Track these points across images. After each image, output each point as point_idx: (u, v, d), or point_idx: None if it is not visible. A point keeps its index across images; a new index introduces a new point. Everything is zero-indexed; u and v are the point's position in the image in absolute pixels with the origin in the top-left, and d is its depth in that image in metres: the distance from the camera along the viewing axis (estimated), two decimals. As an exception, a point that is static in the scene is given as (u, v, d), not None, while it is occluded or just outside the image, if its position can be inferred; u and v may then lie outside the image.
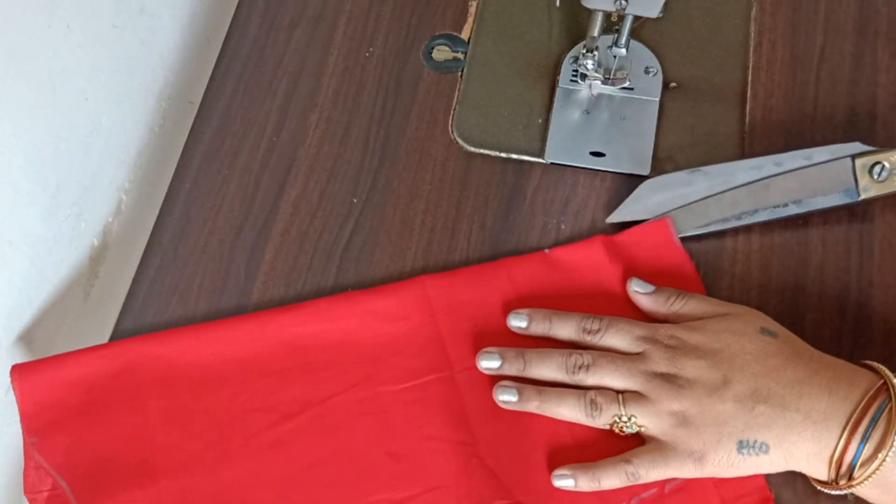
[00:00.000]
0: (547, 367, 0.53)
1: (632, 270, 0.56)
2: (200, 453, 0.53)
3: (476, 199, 0.60)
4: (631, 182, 0.60)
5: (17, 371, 0.54)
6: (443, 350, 0.55)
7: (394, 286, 0.57)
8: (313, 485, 0.52)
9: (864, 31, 0.64)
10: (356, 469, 0.52)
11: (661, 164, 0.60)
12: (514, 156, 0.61)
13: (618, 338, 0.53)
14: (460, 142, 0.62)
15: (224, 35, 0.67)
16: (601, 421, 0.51)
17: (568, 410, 0.52)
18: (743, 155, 0.60)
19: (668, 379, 0.50)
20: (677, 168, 0.60)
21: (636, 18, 0.59)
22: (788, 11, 0.65)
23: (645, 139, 0.61)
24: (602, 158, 0.60)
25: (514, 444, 0.53)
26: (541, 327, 0.54)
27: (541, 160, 0.61)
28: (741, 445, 0.48)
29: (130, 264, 0.60)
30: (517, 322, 0.55)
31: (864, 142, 0.56)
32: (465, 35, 0.66)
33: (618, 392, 0.51)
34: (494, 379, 0.54)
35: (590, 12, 0.57)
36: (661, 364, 0.50)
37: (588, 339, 0.53)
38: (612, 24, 0.62)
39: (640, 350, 0.52)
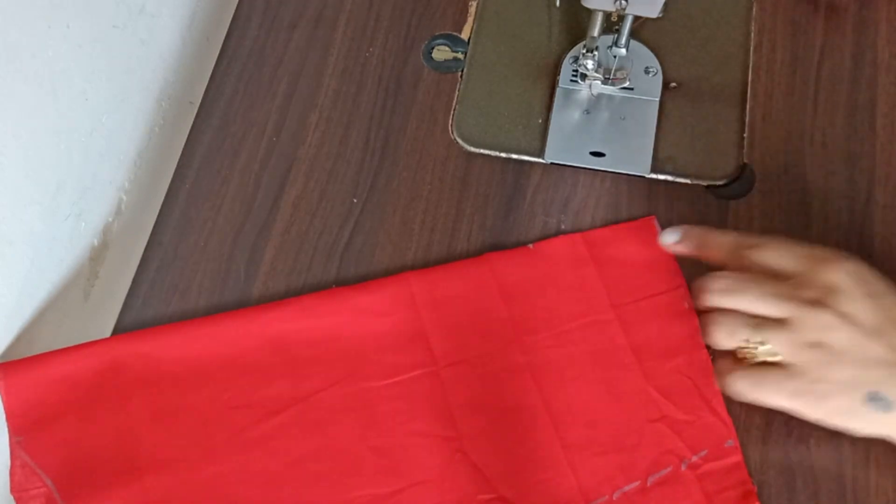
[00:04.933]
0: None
1: (615, 266, 0.57)
2: (185, 450, 0.53)
3: (476, 199, 0.60)
4: (631, 182, 0.60)
5: (2, 370, 0.54)
6: (427, 346, 0.55)
7: (378, 282, 0.57)
8: (297, 481, 0.52)
9: (865, 31, 0.64)
10: (340, 465, 0.52)
11: (662, 164, 0.60)
12: (514, 156, 0.61)
13: (777, 254, 0.49)
14: (460, 142, 0.62)
15: (224, 35, 0.67)
16: (727, 342, 0.49)
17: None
18: (741, 155, 0.60)
19: (820, 309, 0.47)
20: (676, 168, 0.60)
21: (636, 18, 0.59)
22: (788, 11, 0.65)
23: (645, 139, 0.61)
24: (602, 158, 0.60)
25: (498, 438, 0.53)
26: (693, 240, 0.54)
27: (541, 160, 0.61)
28: (871, 396, 0.46)
29: (130, 264, 0.60)
30: (670, 238, 0.55)
31: None
32: (465, 35, 0.66)
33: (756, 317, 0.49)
34: (476, 375, 0.54)
35: (590, 12, 0.57)
36: (818, 290, 0.47)
37: (743, 253, 0.50)
38: (612, 24, 0.62)
39: (801, 270, 0.48)
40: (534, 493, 0.51)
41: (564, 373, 0.54)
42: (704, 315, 0.51)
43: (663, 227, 0.58)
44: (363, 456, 0.52)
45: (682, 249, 0.55)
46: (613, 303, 0.56)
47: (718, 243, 0.53)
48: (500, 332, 0.55)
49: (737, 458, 0.52)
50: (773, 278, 0.49)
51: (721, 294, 0.50)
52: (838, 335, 0.47)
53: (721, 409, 0.53)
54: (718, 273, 0.51)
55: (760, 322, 0.48)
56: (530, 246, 0.58)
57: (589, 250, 0.57)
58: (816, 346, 0.47)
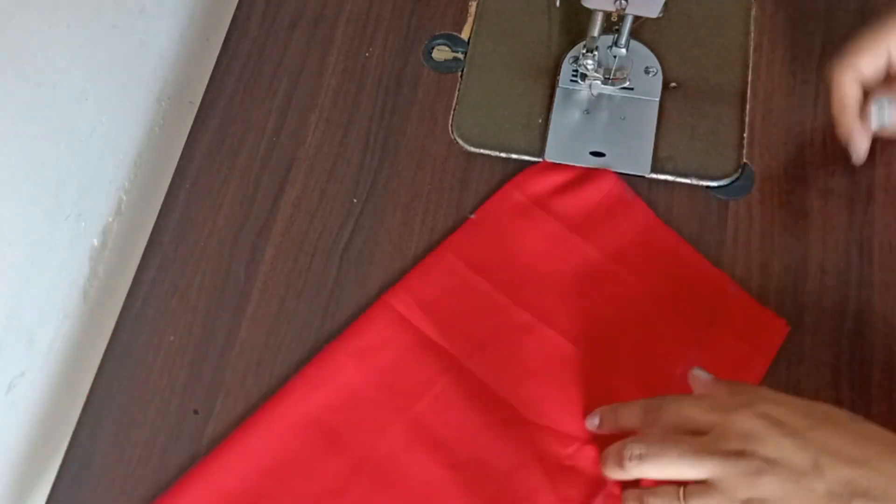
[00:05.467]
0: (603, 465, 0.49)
1: (552, 197, 0.59)
2: None
3: (476, 199, 0.60)
4: (631, 182, 0.60)
5: None
6: (441, 349, 0.55)
7: (364, 319, 0.56)
8: None
9: (864, 31, 0.64)
10: (430, 499, 0.52)
11: (662, 163, 0.60)
12: (514, 156, 0.61)
13: (686, 410, 0.46)
14: (460, 142, 0.62)
15: (224, 35, 0.67)
16: None
17: None
18: (741, 155, 0.60)
19: (743, 459, 0.43)
20: (676, 168, 0.60)
21: (636, 18, 0.59)
22: (788, 11, 0.65)
23: (645, 139, 0.61)
24: (602, 158, 0.60)
25: (551, 395, 0.54)
26: (609, 420, 0.51)
27: (541, 160, 0.61)
28: None
29: (130, 264, 0.60)
30: (590, 423, 0.52)
31: None
32: (465, 35, 0.66)
33: (680, 484, 0.45)
34: (498, 350, 0.55)
35: (590, 12, 0.57)
36: (735, 441, 0.43)
37: (651, 418, 0.47)
38: (612, 24, 0.62)
39: (713, 422, 0.45)
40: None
41: (569, 306, 0.56)
42: (628, 492, 0.48)
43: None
44: (445, 479, 0.52)
45: (603, 430, 0.51)
46: (570, 227, 0.58)
47: (628, 412, 0.49)
48: (493, 304, 0.56)
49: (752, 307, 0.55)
50: (688, 435, 0.45)
51: (638, 463, 0.46)
52: (770, 484, 0.42)
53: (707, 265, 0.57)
54: (630, 439, 0.47)
55: (690, 490, 0.44)
56: (472, 216, 0.59)
57: (524, 194, 0.59)
58: (750, 502, 0.43)
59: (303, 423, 0.54)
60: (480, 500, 0.51)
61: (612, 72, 0.62)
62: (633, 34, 0.62)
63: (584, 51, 0.60)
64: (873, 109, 0.53)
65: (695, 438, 0.44)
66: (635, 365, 0.54)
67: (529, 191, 0.59)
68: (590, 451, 0.52)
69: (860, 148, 0.54)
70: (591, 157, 0.61)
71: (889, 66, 0.54)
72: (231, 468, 0.53)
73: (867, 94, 0.55)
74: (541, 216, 0.58)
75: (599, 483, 0.51)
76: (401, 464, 0.53)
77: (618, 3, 0.54)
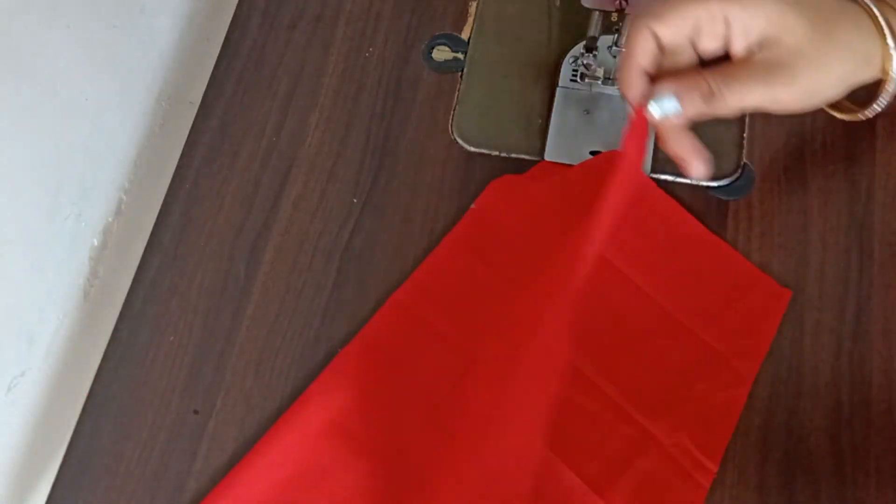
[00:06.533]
0: None
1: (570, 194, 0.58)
2: None
3: (476, 198, 0.60)
4: (631, 182, 0.60)
5: None
6: (454, 343, 0.55)
7: (375, 319, 0.56)
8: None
9: (864, 31, 0.64)
10: (458, 497, 0.51)
11: (661, 164, 0.60)
12: (514, 156, 0.61)
13: None
14: (460, 142, 0.62)
15: (224, 35, 0.67)
16: None
17: None
18: (742, 155, 0.60)
19: None
20: (676, 168, 0.60)
21: (636, 18, 0.59)
22: (788, 11, 0.65)
23: (645, 139, 0.61)
24: (602, 158, 0.61)
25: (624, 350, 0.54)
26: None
27: (541, 160, 0.61)
28: None
29: (130, 264, 0.60)
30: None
31: None
32: (465, 35, 0.66)
33: None
34: (509, 330, 0.54)
35: (590, 12, 0.57)
36: None
37: None
38: (612, 24, 0.63)
39: None
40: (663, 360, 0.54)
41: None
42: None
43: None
44: (479, 476, 0.51)
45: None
46: (576, 210, 0.55)
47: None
48: (502, 294, 0.56)
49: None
50: None
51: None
52: None
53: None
54: None
55: None
56: (473, 206, 0.59)
57: (527, 178, 0.59)
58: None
59: (323, 429, 0.54)
60: (501, 491, 0.51)
61: (612, 72, 0.62)
62: (633, 34, 0.62)
63: (584, 51, 0.60)
64: (652, 104, 0.49)
65: None
66: (646, 343, 0.55)
67: (533, 176, 0.59)
68: (615, 420, 0.52)
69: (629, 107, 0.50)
70: (591, 157, 0.61)
71: (692, 42, 0.49)
72: (255, 480, 0.53)
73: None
74: (545, 200, 0.58)
75: (625, 460, 0.52)
76: (424, 462, 0.53)
77: (618, 3, 0.54)
